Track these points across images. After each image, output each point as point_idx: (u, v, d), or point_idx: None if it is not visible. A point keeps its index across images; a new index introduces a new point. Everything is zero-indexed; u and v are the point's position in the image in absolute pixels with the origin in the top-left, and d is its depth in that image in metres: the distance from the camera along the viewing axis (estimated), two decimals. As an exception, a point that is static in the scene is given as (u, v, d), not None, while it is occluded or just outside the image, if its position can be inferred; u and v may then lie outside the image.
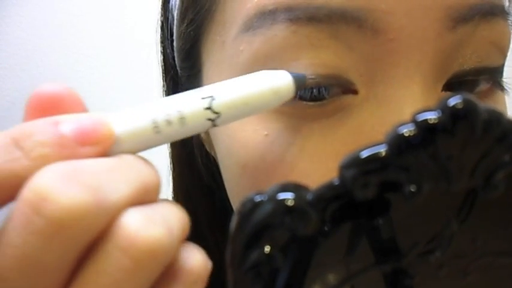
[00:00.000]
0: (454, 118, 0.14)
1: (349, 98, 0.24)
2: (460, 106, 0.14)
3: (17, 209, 0.15)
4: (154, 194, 0.18)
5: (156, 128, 0.19)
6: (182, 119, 0.19)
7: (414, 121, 0.14)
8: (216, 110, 0.20)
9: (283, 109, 0.24)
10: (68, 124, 0.17)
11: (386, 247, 0.18)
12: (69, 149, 0.17)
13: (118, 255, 0.16)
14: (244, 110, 0.21)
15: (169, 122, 0.19)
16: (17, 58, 0.95)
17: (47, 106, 0.18)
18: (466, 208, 0.17)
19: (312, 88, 0.23)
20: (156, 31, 0.35)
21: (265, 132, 0.25)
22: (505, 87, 0.27)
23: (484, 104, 0.14)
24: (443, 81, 0.24)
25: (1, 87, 0.95)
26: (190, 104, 0.20)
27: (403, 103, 0.23)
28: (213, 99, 0.20)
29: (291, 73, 0.22)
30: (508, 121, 0.14)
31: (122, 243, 0.16)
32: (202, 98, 0.20)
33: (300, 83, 0.22)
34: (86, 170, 0.16)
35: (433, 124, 0.14)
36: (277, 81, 0.22)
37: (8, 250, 0.15)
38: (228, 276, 0.18)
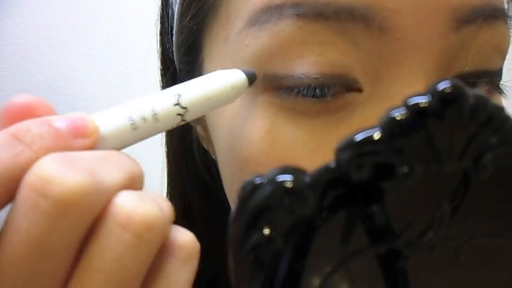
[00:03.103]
0: (443, 102, 0.15)
1: (353, 96, 0.24)
2: (448, 90, 0.15)
3: (21, 194, 0.16)
4: (140, 183, 0.19)
5: (133, 125, 0.21)
6: (155, 115, 0.21)
7: (405, 105, 0.15)
8: (184, 105, 0.22)
9: (285, 105, 0.25)
10: (59, 120, 0.18)
11: (381, 231, 0.19)
12: (65, 141, 0.18)
13: (119, 231, 0.17)
14: (208, 104, 0.23)
15: (144, 119, 0.21)
16: (17, 58, 0.95)
17: (22, 114, 0.18)
18: (460, 190, 0.17)
19: (314, 87, 0.24)
20: (156, 26, 0.36)
21: (268, 128, 0.25)
22: (503, 90, 0.28)
23: (471, 89, 0.15)
24: None
25: (1, 87, 0.96)
26: (160, 101, 0.22)
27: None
28: (179, 96, 0.22)
29: (242, 70, 0.24)
30: (494, 105, 0.15)
31: (120, 219, 0.17)
32: (171, 96, 0.22)
33: (251, 78, 0.25)
34: (81, 157, 0.17)
35: (424, 108, 0.15)
36: (234, 78, 0.24)
37: (16, 236, 0.16)
38: (229, 260, 0.18)
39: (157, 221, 0.17)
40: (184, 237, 0.19)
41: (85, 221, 0.16)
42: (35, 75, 0.96)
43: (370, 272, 0.19)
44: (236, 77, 0.24)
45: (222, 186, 0.31)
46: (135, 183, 0.18)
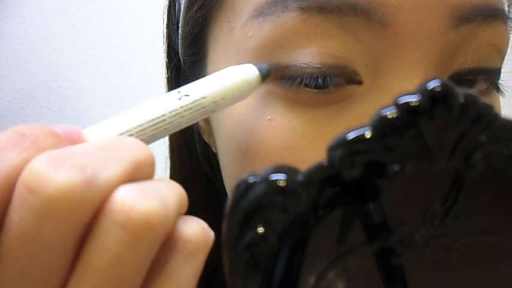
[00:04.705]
0: (433, 100, 0.15)
1: (353, 88, 0.25)
2: (438, 89, 0.15)
3: (16, 189, 0.16)
4: (148, 171, 0.18)
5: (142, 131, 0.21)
6: (164, 121, 0.22)
7: (396, 104, 0.15)
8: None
9: (287, 95, 0.25)
10: (56, 128, 0.18)
11: (376, 229, 0.19)
12: (64, 144, 0.18)
13: (116, 230, 0.16)
14: (218, 102, 0.23)
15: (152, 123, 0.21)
16: (17, 58, 0.96)
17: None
18: (454, 189, 0.18)
19: (317, 77, 0.24)
20: (163, 20, 0.36)
21: (269, 117, 0.26)
22: (501, 89, 0.29)
23: (461, 88, 0.15)
24: (444, 78, 0.25)
25: (1, 87, 0.96)
26: (168, 104, 0.22)
27: None
28: (185, 95, 0.22)
29: (255, 65, 0.24)
30: (484, 104, 0.15)
31: (118, 218, 0.16)
32: (179, 99, 0.22)
33: (265, 72, 0.25)
34: (76, 152, 0.17)
35: (414, 106, 0.15)
36: (247, 74, 0.24)
37: (11, 230, 0.16)
38: (224, 257, 0.18)
39: (156, 218, 0.17)
40: (191, 231, 0.18)
41: (77, 218, 0.16)
42: (35, 75, 0.96)
43: (366, 270, 0.19)
44: (249, 72, 0.24)
45: (222, 179, 0.31)
46: (142, 171, 0.18)
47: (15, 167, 0.16)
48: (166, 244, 0.18)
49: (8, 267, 0.16)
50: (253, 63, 0.25)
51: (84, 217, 0.17)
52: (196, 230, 0.18)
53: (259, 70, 0.24)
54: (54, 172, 0.16)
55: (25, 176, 0.16)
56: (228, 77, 0.24)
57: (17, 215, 0.16)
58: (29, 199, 0.16)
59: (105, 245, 0.16)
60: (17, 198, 0.16)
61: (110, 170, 0.17)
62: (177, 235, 0.18)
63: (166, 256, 0.18)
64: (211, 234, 0.19)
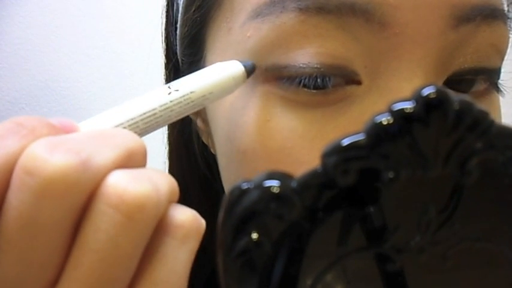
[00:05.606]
0: (427, 107, 0.15)
1: (352, 88, 0.25)
2: (433, 96, 0.15)
3: (14, 173, 0.17)
4: (140, 159, 0.19)
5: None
6: (154, 114, 0.22)
7: (390, 110, 0.15)
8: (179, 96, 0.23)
9: (286, 95, 0.25)
10: (51, 119, 0.19)
11: (376, 233, 0.19)
12: (59, 134, 0.18)
13: (110, 212, 0.17)
14: (206, 96, 0.24)
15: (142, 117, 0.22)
16: (17, 58, 0.96)
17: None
18: (453, 198, 0.17)
19: (316, 77, 0.24)
20: (161, 20, 0.36)
21: (267, 118, 0.26)
22: (501, 89, 0.28)
23: (456, 94, 0.15)
24: (444, 78, 0.25)
25: (1, 87, 0.96)
26: (157, 100, 0.22)
27: (404, 95, 0.24)
28: (176, 90, 0.23)
29: (240, 61, 0.25)
30: (479, 110, 0.15)
31: (112, 200, 0.17)
32: (169, 93, 0.23)
33: (249, 68, 0.25)
34: (72, 139, 0.18)
35: (408, 113, 0.15)
36: (233, 70, 0.24)
37: (9, 213, 0.16)
38: (218, 262, 0.18)
39: (149, 201, 0.17)
40: (182, 216, 0.19)
41: (73, 199, 0.17)
42: (35, 75, 0.96)
43: (366, 273, 0.19)
44: (235, 68, 0.24)
45: (220, 180, 0.31)
46: (133, 160, 0.18)
47: (13, 154, 0.17)
48: (159, 229, 0.18)
49: (6, 251, 0.16)
50: (240, 61, 0.25)
51: (80, 199, 0.17)
52: (188, 216, 0.19)
53: (244, 66, 0.25)
54: (50, 155, 0.16)
55: (23, 160, 0.16)
56: (215, 72, 0.24)
57: (14, 198, 0.16)
58: (26, 181, 0.16)
59: (100, 226, 0.17)
60: (15, 181, 0.16)
61: (103, 155, 0.17)
62: (169, 220, 0.18)
63: (159, 241, 0.18)
64: (202, 221, 0.19)
